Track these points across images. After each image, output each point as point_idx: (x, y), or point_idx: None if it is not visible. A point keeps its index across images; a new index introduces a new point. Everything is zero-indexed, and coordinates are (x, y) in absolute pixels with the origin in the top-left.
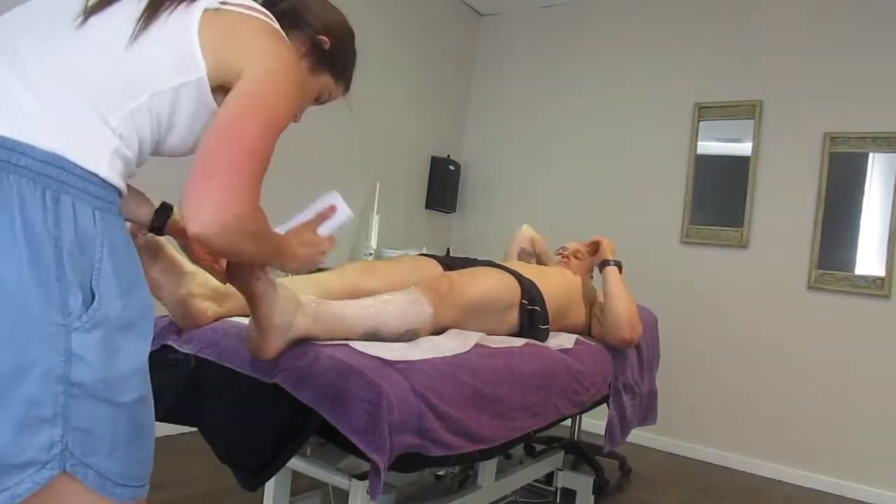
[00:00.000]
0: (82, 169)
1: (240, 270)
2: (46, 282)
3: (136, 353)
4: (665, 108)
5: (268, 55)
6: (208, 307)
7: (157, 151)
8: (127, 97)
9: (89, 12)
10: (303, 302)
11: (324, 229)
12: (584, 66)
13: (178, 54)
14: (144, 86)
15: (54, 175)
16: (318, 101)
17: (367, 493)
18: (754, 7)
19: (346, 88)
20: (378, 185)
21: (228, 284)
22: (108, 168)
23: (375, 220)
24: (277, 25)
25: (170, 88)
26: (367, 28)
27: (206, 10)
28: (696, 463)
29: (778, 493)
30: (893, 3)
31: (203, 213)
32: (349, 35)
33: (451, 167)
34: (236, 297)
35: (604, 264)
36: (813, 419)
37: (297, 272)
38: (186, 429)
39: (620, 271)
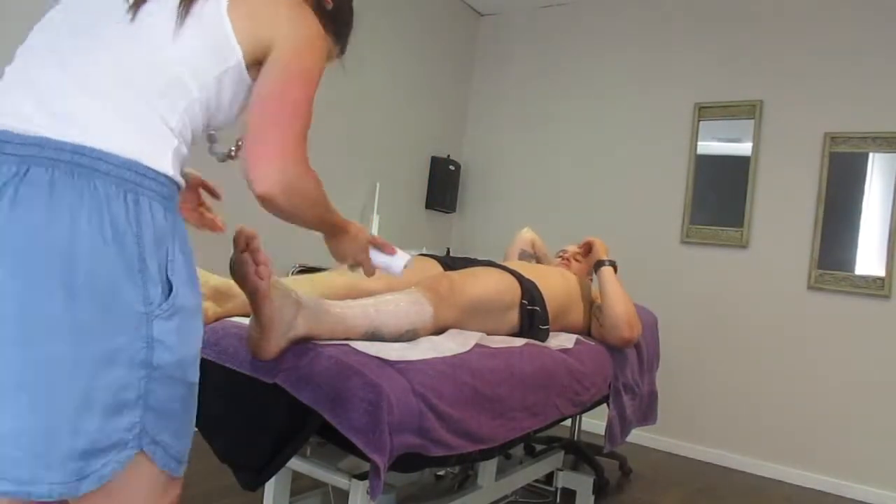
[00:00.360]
0: (155, 172)
1: (244, 267)
2: (131, 274)
3: (200, 338)
4: (665, 108)
5: (298, 25)
6: (208, 307)
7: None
8: (180, 94)
9: (136, 5)
10: (304, 302)
11: (376, 257)
12: (584, 65)
13: (215, 42)
14: (192, 80)
15: (132, 179)
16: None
17: (367, 493)
18: (755, 7)
19: (342, 51)
20: (378, 185)
21: (230, 284)
22: (172, 168)
23: (375, 220)
24: None
25: (213, 78)
26: (367, 28)
27: None
28: (696, 463)
29: (778, 493)
30: (893, 3)
31: (266, 175)
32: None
33: (451, 167)
34: (236, 298)
35: (598, 265)
36: (813, 419)
37: (342, 260)
38: None
39: (616, 271)
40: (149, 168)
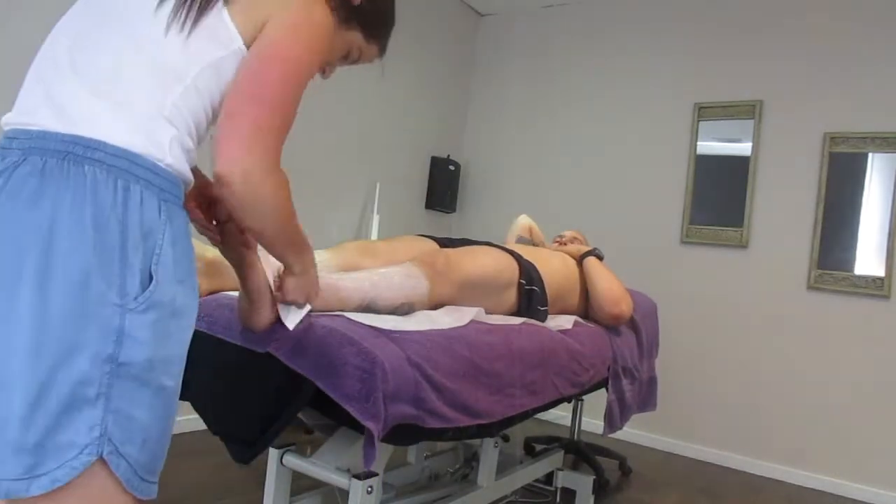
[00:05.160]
0: (148, 160)
1: (232, 237)
2: (109, 263)
3: (182, 341)
4: (665, 108)
5: (288, 7)
6: (200, 282)
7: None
8: (174, 81)
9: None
10: None
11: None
12: (584, 65)
13: (213, 32)
14: (187, 67)
15: (124, 167)
16: (348, 58)
17: (367, 491)
18: (754, 7)
19: (381, 51)
20: (378, 185)
21: (222, 259)
22: (170, 157)
23: (375, 220)
24: None
25: (210, 63)
26: None
27: None
28: (696, 463)
29: (778, 493)
30: (893, 3)
31: (227, 152)
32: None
33: (451, 167)
34: (228, 273)
35: (585, 255)
36: (812, 419)
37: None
38: (185, 429)
39: (601, 260)
40: (141, 156)
